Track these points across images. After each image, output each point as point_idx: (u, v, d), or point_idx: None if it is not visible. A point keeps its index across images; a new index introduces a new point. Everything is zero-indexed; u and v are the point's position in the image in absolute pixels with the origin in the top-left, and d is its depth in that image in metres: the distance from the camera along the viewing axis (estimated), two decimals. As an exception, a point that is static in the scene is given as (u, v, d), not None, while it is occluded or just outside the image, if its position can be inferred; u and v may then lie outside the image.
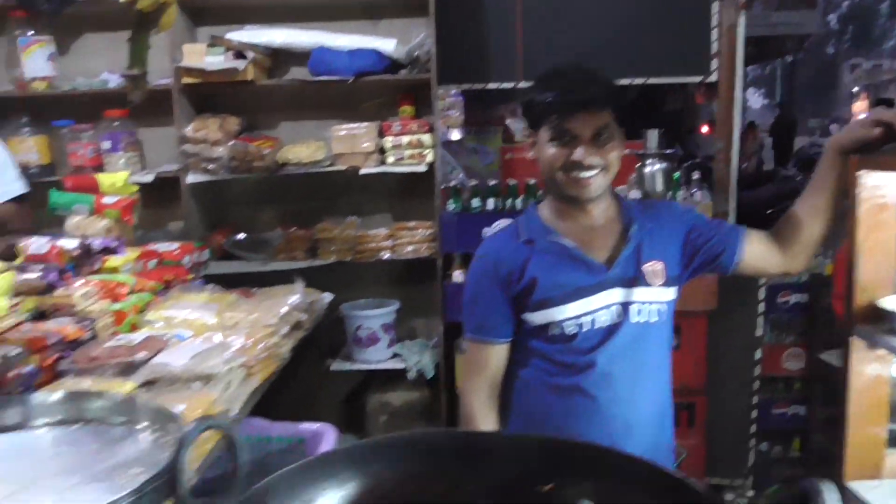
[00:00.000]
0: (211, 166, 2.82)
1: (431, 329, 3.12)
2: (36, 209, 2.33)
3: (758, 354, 2.94)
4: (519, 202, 2.84)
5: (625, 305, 1.47)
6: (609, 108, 1.47)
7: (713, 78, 3.04)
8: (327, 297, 2.36)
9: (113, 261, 1.89)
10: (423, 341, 3.08)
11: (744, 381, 2.95)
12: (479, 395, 1.54)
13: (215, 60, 2.74)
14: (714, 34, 3.01)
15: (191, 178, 2.85)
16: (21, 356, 1.32)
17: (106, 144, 2.86)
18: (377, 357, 2.97)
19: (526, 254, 1.51)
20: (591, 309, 1.46)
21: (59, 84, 2.89)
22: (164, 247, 2.17)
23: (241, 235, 3.06)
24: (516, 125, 3.34)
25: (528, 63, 3.12)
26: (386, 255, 2.93)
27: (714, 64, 3.03)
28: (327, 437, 1.58)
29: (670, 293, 1.51)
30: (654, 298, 1.49)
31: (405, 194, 3.16)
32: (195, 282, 2.13)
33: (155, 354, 1.50)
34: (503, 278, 1.51)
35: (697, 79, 3.13)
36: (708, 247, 1.54)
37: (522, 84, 3.13)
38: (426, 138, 2.86)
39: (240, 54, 2.78)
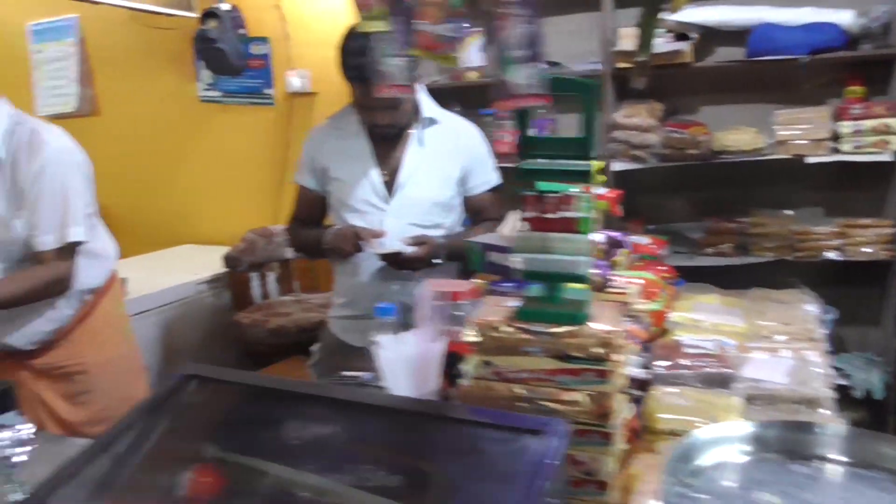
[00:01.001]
0: (639, 153, 2.71)
1: (871, 341, 2.74)
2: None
3: None
4: None
5: None
6: None
7: None
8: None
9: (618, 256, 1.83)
10: (865, 355, 2.71)
11: None
12: None
13: (656, 43, 2.60)
14: None
15: (617, 166, 2.76)
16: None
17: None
18: (812, 368, 2.66)
19: None
20: None
21: (488, 73, 2.96)
22: (638, 240, 2.09)
23: (652, 226, 2.93)
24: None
25: None
26: (831, 255, 2.60)
27: None
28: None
29: None
30: None
31: (842, 185, 2.79)
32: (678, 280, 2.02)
33: (732, 365, 1.39)
34: None
35: None
36: None
37: None
38: (894, 122, 2.47)
39: (682, 35, 2.62)
